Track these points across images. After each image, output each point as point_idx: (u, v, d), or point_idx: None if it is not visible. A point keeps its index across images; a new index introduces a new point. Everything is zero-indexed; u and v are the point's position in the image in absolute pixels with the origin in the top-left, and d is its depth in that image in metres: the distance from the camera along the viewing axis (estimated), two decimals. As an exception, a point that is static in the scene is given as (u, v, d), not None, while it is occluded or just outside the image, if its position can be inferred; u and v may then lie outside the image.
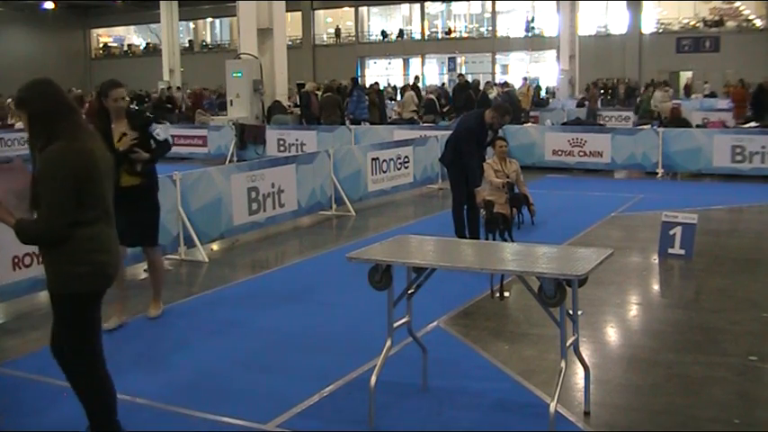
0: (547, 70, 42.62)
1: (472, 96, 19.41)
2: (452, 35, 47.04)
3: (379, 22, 50.16)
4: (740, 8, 39.73)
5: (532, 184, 11.50)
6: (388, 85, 33.04)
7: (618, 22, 41.74)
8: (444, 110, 21.15)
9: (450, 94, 22.77)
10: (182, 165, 16.25)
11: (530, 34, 43.98)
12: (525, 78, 30.00)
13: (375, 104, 20.26)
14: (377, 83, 24.30)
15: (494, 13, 45.52)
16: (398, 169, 12.64)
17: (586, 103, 25.13)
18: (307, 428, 4.32)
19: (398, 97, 27.78)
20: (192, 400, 4.70)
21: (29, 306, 6.84)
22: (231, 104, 18.24)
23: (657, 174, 14.28)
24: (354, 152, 11.91)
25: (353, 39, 49.25)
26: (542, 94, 32.60)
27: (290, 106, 20.01)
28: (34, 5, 46.34)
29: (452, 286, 6.61)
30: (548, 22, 42.34)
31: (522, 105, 20.69)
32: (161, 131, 6.09)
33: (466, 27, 47.72)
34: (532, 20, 43.70)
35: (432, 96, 20.92)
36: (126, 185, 5.89)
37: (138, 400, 4.71)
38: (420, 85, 26.86)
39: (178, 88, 29.21)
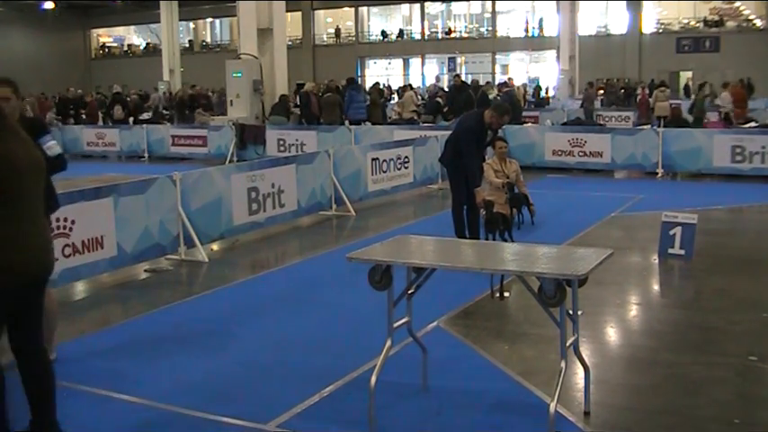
0: (547, 70, 42.61)
1: (472, 96, 19.39)
2: (452, 35, 47.03)
3: (379, 22, 50.16)
4: (740, 8, 39.72)
5: (532, 184, 11.49)
6: (384, 85, 33.00)
7: (618, 22, 41.74)
8: (444, 110, 21.12)
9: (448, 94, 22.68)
10: (182, 165, 16.28)
11: (537, 34, 43.85)
12: (508, 80, 30.02)
13: (377, 104, 20.25)
14: (378, 83, 24.22)
15: (494, 13, 45.50)
16: (398, 169, 12.64)
17: (584, 102, 25.31)
18: (307, 428, 4.32)
19: (395, 97, 27.72)
20: (192, 400, 4.70)
21: (29, 306, 6.84)
22: (231, 104, 18.25)
23: (657, 174, 14.28)
24: (354, 152, 11.91)
25: (353, 39, 49.23)
26: (542, 93, 32.62)
27: (289, 106, 20.00)
28: (34, 5, 46.31)
29: (452, 286, 6.61)
30: (548, 22, 42.37)
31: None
32: (55, 145, 5.31)
33: (466, 27, 47.70)
34: (541, 20, 43.55)
35: (439, 100, 20.85)
36: None
37: (138, 400, 4.72)
38: (443, 82, 25.96)
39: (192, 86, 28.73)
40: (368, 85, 34.43)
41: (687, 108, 20.05)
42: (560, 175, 14.89)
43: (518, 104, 19.77)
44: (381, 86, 27.04)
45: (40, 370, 4.06)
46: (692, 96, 25.31)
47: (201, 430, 4.38)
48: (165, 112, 25.14)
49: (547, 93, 34.78)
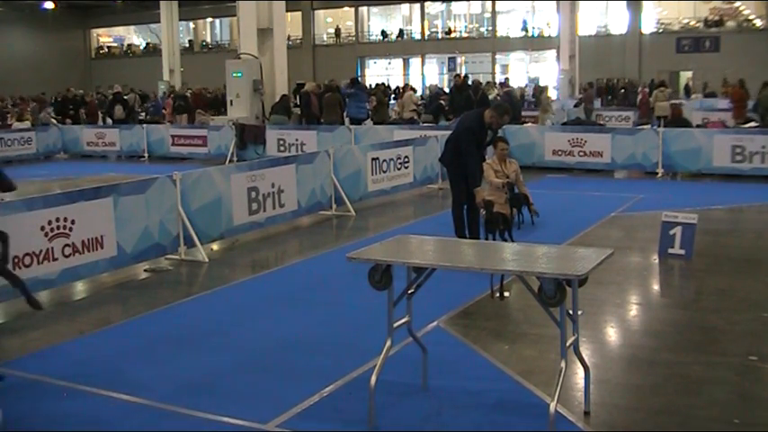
0: (547, 70, 42.62)
1: (472, 96, 19.40)
2: (452, 35, 47.03)
3: (379, 22, 50.15)
4: (740, 8, 39.72)
5: (532, 184, 11.49)
6: (382, 84, 32.95)
7: (618, 22, 41.74)
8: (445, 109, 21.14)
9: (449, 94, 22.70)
10: (182, 165, 16.28)
11: (541, 33, 43.79)
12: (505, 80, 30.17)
13: (383, 104, 20.29)
14: (383, 83, 24.16)
15: (494, 13, 45.50)
16: (398, 169, 12.63)
17: (582, 102, 25.58)
18: (307, 428, 4.32)
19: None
20: (192, 400, 4.70)
21: (29, 306, 6.83)
22: (231, 104, 18.25)
23: (657, 174, 14.28)
24: (354, 152, 11.91)
25: (353, 39, 49.23)
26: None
27: (290, 106, 20.00)
28: (34, 5, 46.33)
29: (452, 286, 6.61)
30: (549, 22, 42.38)
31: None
32: None
33: (466, 27, 47.71)
34: (548, 24, 43.50)
35: (441, 102, 20.85)
36: None
37: (138, 400, 4.72)
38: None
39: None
40: (368, 84, 34.35)
41: (751, 106, 19.72)
42: (560, 175, 14.88)
43: (518, 104, 19.78)
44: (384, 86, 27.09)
45: None
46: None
47: (202, 430, 4.38)
48: (140, 112, 24.95)
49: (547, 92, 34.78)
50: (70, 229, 7.04)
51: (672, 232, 8.03)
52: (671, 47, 39.64)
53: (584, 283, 4.17)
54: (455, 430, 4.29)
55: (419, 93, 30.20)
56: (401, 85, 32.33)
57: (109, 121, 23.22)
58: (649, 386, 4.84)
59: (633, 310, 6.58)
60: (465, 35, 47.07)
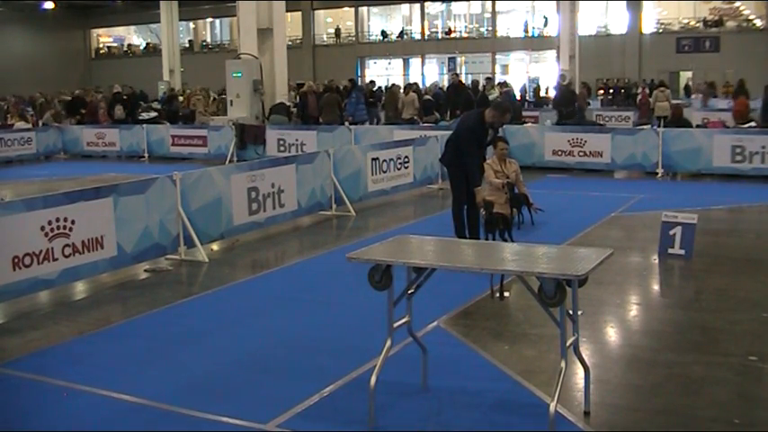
0: (547, 70, 42.61)
1: (472, 96, 19.41)
2: (452, 35, 47.04)
3: (379, 22, 50.16)
4: (740, 8, 39.73)
5: (532, 184, 11.49)
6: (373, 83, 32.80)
7: (618, 22, 41.74)
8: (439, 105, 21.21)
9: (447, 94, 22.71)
10: (182, 165, 16.28)
11: (540, 33, 43.79)
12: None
13: (390, 105, 20.35)
14: (396, 84, 24.22)
15: (494, 13, 45.51)
16: (398, 169, 12.63)
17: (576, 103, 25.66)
18: (307, 428, 4.32)
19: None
20: (192, 400, 4.70)
21: (29, 306, 6.85)
22: (231, 104, 18.25)
23: (657, 174, 14.28)
24: (354, 152, 11.91)
25: (353, 39, 49.24)
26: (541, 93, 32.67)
27: (289, 107, 20.00)
28: (34, 5, 46.33)
29: (452, 286, 6.61)
30: (549, 22, 42.37)
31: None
32: None
33: (466, 27, 47.71)
34: (546, 22, 43.50)
35: (429, 97, 20.90)
36: None
37: (138, 400, 4.72)
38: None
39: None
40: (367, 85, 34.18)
41: (760, 110, 19.36)
42: (560, 175, 14.88)
43: (518, 104, 19.83)
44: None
45: None
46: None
47: (201, 430, 4.38)
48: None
49: (547, 92, 34.81)
50: (70, 229, 7.04)
51: (672, 232, 8.03)
52: (671, 47, 39.66)
53: (584, 284, 4.17)
54: (455, 430, 4.29)
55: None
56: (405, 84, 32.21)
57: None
58: (649, 386, 4.84)
59: (633, 310, 6.58)
60: (465, 35, 47.06)
